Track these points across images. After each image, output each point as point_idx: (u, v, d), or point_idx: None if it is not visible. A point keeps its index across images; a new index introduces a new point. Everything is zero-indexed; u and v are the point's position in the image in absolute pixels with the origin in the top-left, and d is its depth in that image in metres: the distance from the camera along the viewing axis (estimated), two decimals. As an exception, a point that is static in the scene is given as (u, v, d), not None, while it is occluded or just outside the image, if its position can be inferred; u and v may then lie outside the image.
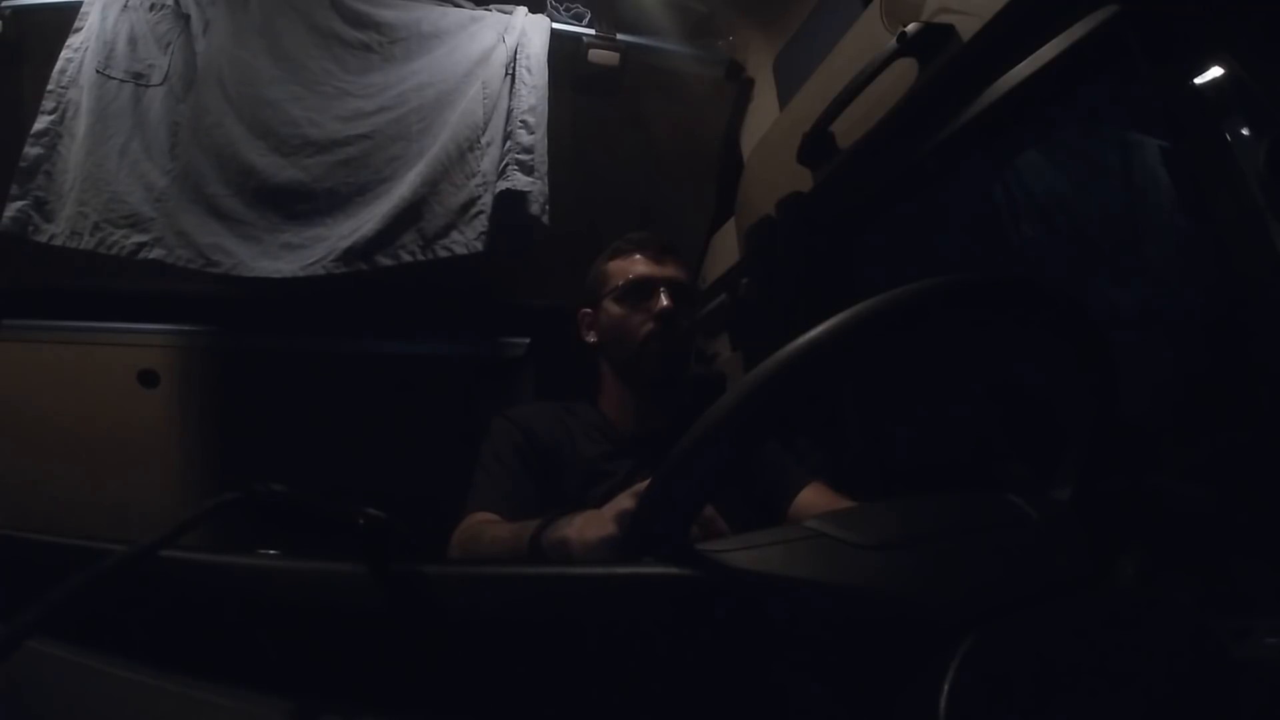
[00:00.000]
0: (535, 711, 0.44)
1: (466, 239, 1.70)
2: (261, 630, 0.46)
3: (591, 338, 1.39)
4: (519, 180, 1.69)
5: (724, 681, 0.44)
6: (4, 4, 1.67)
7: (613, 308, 1.33)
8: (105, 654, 0.44)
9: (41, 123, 1.59)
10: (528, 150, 1.71)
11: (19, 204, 1.54)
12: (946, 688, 0.41)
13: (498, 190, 1.70)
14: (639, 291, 1.31)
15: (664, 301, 1.28)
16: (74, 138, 1.61)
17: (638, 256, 1.34)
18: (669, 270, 1.33)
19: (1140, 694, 0.48)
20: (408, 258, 1.69)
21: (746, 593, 0.46)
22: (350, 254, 1.66)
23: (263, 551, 0.50)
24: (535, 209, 1.68)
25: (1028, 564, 0.57)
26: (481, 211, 1.71)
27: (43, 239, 1.56)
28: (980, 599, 0.49)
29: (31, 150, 1.57)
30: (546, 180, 1.71)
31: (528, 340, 1.96)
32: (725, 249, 2.01)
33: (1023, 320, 0.65)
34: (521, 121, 1.73)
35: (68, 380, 1.82)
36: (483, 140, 1.74)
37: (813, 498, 1.23)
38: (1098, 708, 0.46)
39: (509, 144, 1.72)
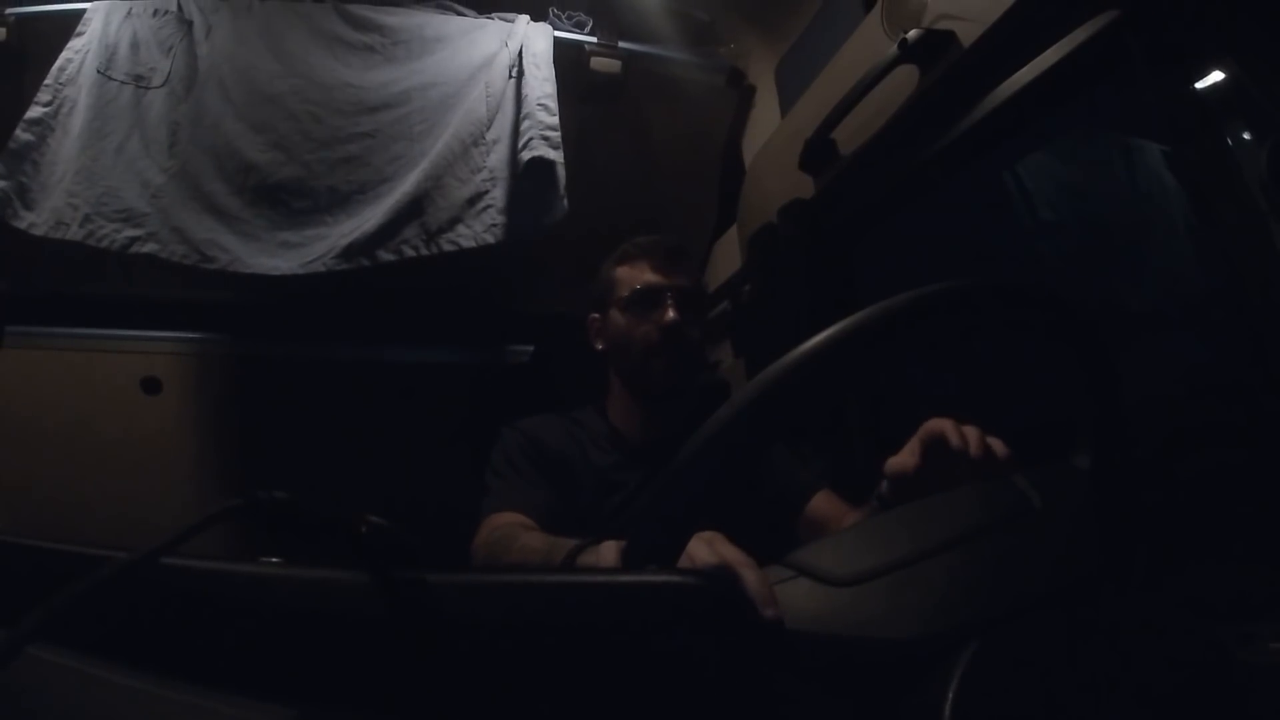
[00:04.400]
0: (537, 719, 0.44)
1: (474, 232, 1.68)
2: (263, 638, 0.46)
3: (600, 344, 1.37)
4: (547, 152, 1.67)
5: (721, 692, 0.44)
6: (8, 12, 1.67)
7: (619, 317, 1.31)
8: (107, 661, 0.44)
9: (35, 112, 1.59)
10: (552, 129, 1.70)
11: (1, 184, 1.54)
12: (950, 695, 0.41)
13: (524, 161, 1.67)
14: (645, 301, 1.28)
15: (670, 314, 1.26)
16: (67, 133, 1.60)
17: (645, 264, 1.31)
18: (677, 278, 1.30)
19: (1145, 699, 0.48)
20: (411, 252, 1.66)
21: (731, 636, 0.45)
22: (351, 250, 1.64)
23: (264, 559, 0.50)
24: (561, 187, 1.67)
25: (1023, 571, 0.56)
26: (490, 205, 1.69)
27: (20, 225, 1.55)
28: (966, 624, 0.49)
29: (22, 135, 1.57)
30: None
31: (532, 347, 1.96)
32: (727, 256, 2.01)
33: (1025, 325, 0.65)
34: (540, 104, 1.72)
35: (71, 387, 1.82)
36: (488, 136, 1.73)
37: (823, 505, 1.21)
38: (1103, 714, 0.45)
39: (528, 123, 1.70)
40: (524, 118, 1.72)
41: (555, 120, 1.71)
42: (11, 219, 1.55)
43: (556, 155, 1.67)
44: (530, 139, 1.68)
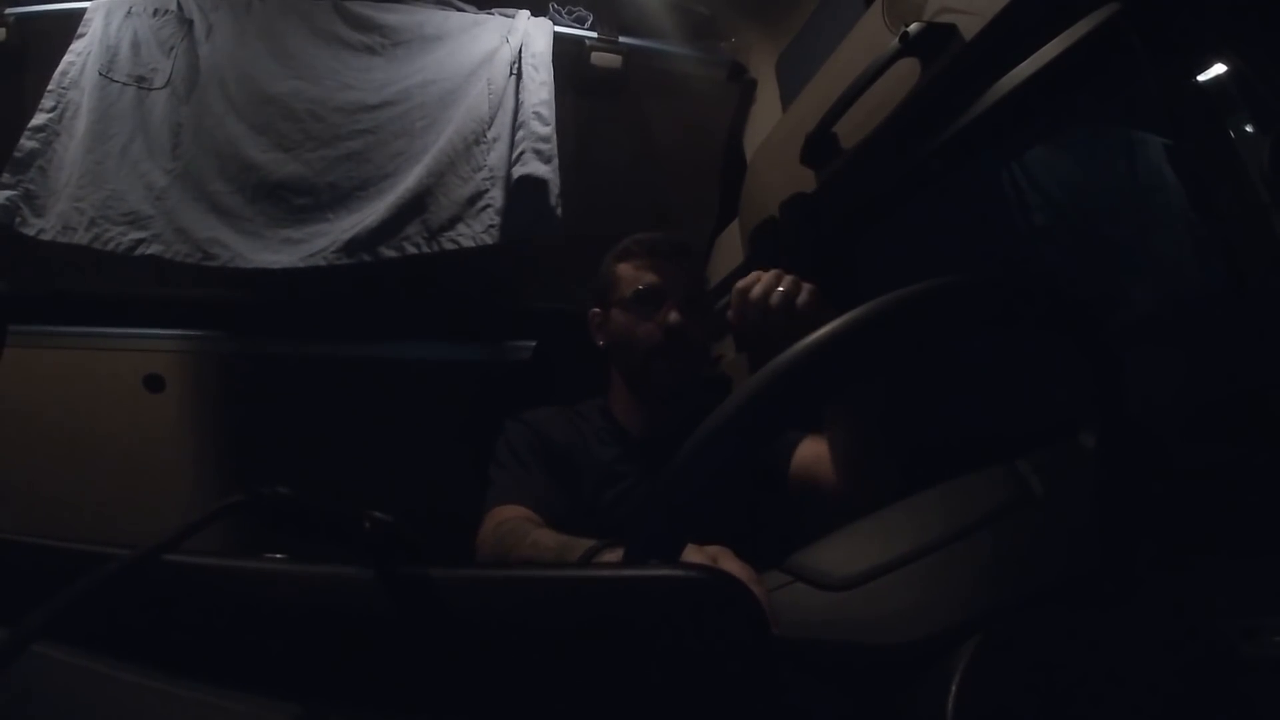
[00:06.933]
0: (543, 715, 0.44)
1: (474, 232, 1.69)
2: (267, 634, 0.46)
3: (601, 340, 1.36)
4: (538, 168, 1.68)
5: (719, 691, 0.44)
6: (7, 11, 1.67)
7: (620, 316, 1.30)
8: (111, 658, 0.44)
9: (39, 119, 1.60)
10: (545, 140, 1.71)
11: (8, 193, 1.55)
12: (952, 693, 0.41)
13: (516, 176, 1.68)
14: (647, 301, 1.27)
15: (673, 315, 1.25)
16: (72, 137, 1.61)
17: (648, 262, 1.30)
18: (680, 277, 1.29)
19: (1148, 694, 0.48)
20: (412, 250, 1.68)
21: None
22: (353, 245, 1.65)
23: (268, 555, 0.50)
24: (553, 199, 1.68)
25: (1022, 565, 0.56)
26: (489, 205, 1.70)
27: (30, 232, 1.56)
28: (964, 624, 0.48)
29: (27, 143, 1.58)
30: (559, 176, 1.71)
31: (534, 343, 1.96)
32: (729, 250, 2.01)
33: (1030, 321, 0.65)
34: (535, 113, 1.72)
35: (73, 385, 1.82)
36: (489, 135, 1.74)
37: (813, 448, 1.16)
38: (1106, 709, 0.45)
39: (522, 133, 1.71)
40: (519, 126, 1.73)
41: (549, 130, 1.72)
42: (21, 227, 1.56)
43: (548, 171, 1.69)
44: (523, 152, 1.70)
